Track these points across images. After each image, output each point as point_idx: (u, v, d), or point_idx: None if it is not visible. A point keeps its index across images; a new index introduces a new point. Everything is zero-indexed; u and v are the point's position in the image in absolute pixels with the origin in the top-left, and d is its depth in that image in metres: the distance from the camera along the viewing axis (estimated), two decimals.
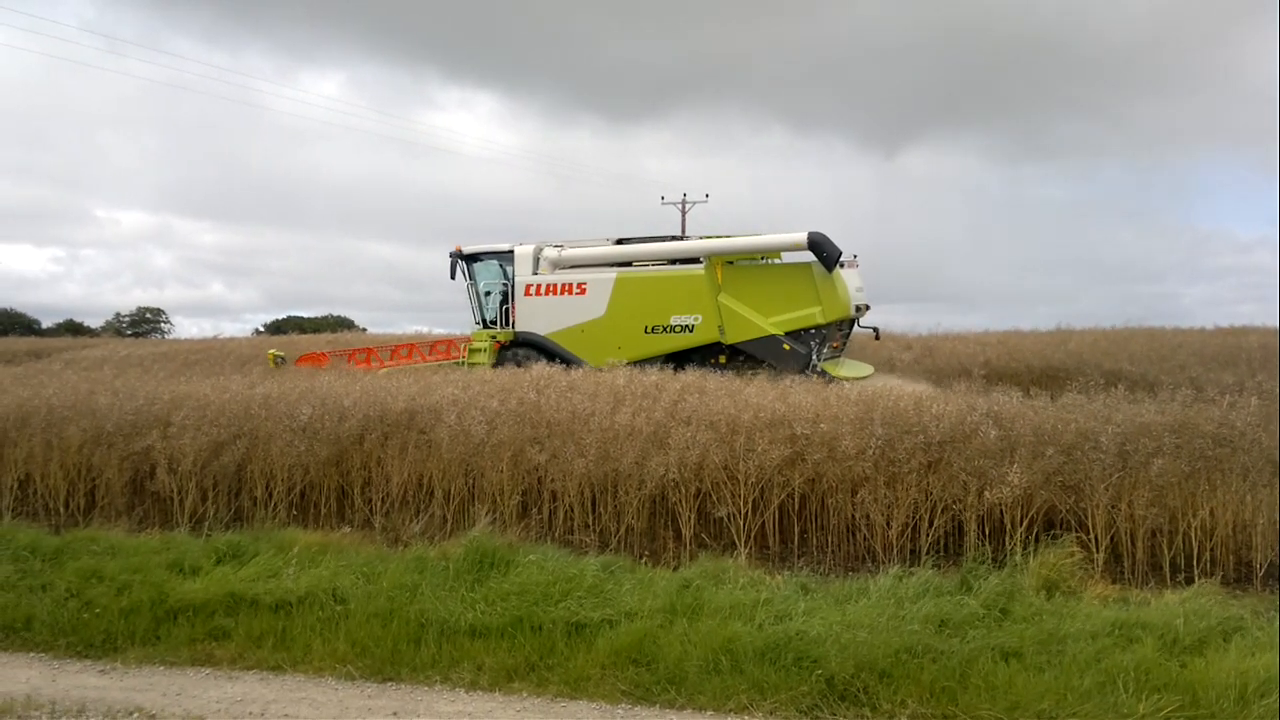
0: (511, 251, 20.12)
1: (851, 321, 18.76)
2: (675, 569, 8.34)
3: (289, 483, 10.37)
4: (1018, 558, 8.13)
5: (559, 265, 19.73)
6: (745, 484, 9.07)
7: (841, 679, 5.93)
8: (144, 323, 69.55)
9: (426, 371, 16.42)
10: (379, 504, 10.28)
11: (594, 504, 9.64)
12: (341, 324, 59.30)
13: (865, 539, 8.96)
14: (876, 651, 6.10)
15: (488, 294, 20.42)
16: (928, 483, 8.75)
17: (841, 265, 17.55)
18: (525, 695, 6.17)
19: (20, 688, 6.32)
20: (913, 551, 8.74)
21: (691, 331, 18.27)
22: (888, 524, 8.77)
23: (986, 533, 8.70)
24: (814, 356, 17.17)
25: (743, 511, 9.12)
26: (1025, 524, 8.50)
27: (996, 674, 5.94)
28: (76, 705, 6.04)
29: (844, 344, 19.18)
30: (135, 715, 5.89)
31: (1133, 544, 8.42)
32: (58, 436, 10.96)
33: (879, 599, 7.09)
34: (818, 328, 17.40)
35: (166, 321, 70.65)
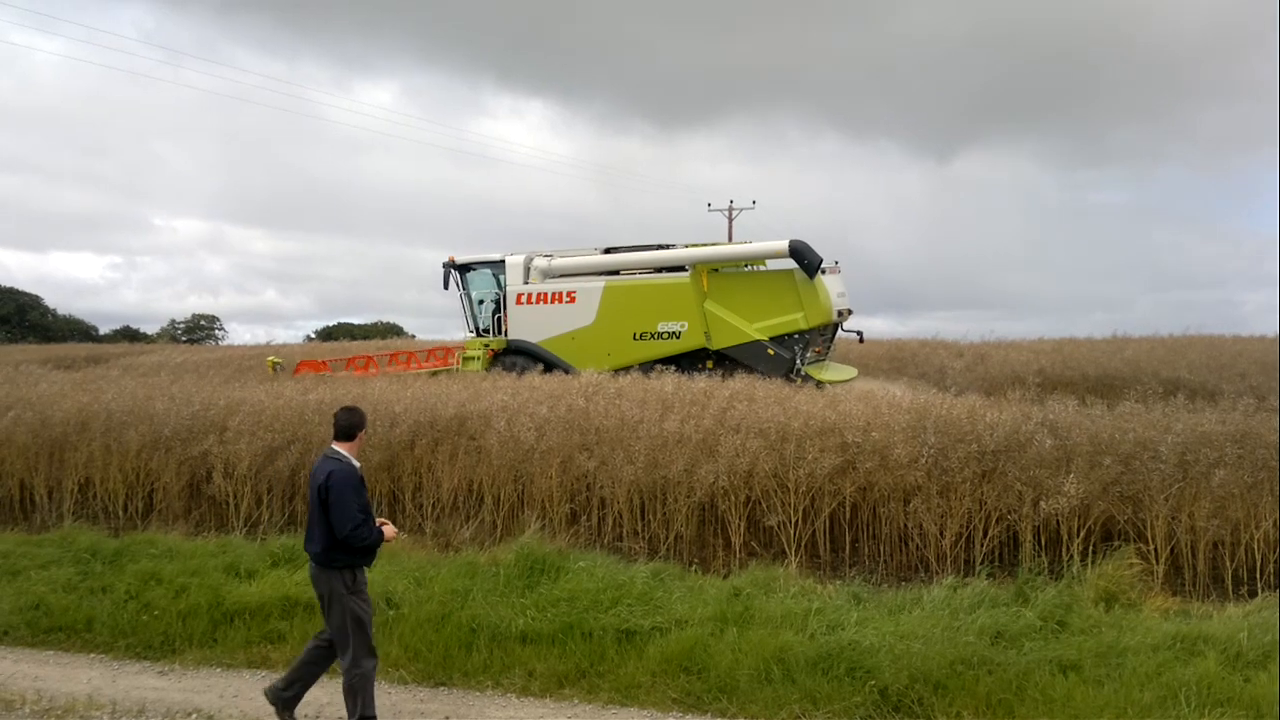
0: (503, 261, 20.59)
1: (835, 326, 19.14)
2: (725, 577, 8.30)
3: None
4: (1075, 569, 8.00)
5: (549, 274, 20.14)
6: (796, 492, 9.01)
7: (895, 690, 5.86)
8: (198, 329, 70.63)
9: (423, 377, 16.70)
10: (430, 509, 10.35)
11: (643, 511, 9.64)
12: (391, 330, 59.72)
13: (918, 548, 8.86)
14: (931, 663, 6.03)
15: (481, 302, 20.94)
16: (982, 492, 8.63)
17: (823, 272, 17.97)
18: (576, 702, 6.17)
19: (82, 688, 6.44)
20: (966, 562, 8.63)
21: (678, 338, 18.70)
22: (941, 534, 8.67)
23: (1042, 543, 8.57)
24: (798, 361, 17.49)
25: (793, 520, 9.06)
26: (1082, 535, 8.36)
27: (1054, 687, 5.85)
28: (136, 705, 6.14)
29: (828, 348, 19.54)
30: (194, 716, 5.98)
31: (1194, 556, 8.25)
32: (117, 441, 11.17)
33: (933, 609, 7.00)
34: (801, 333, 17.78)
35: (220, 328, 71.65)
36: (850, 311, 19.25)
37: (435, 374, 19.06)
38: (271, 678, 6.63)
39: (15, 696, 6.24)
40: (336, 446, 5.80)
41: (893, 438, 9.06)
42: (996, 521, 8.64)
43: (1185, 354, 21.91)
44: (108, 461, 11.19)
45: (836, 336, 19.81)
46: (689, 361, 18.21)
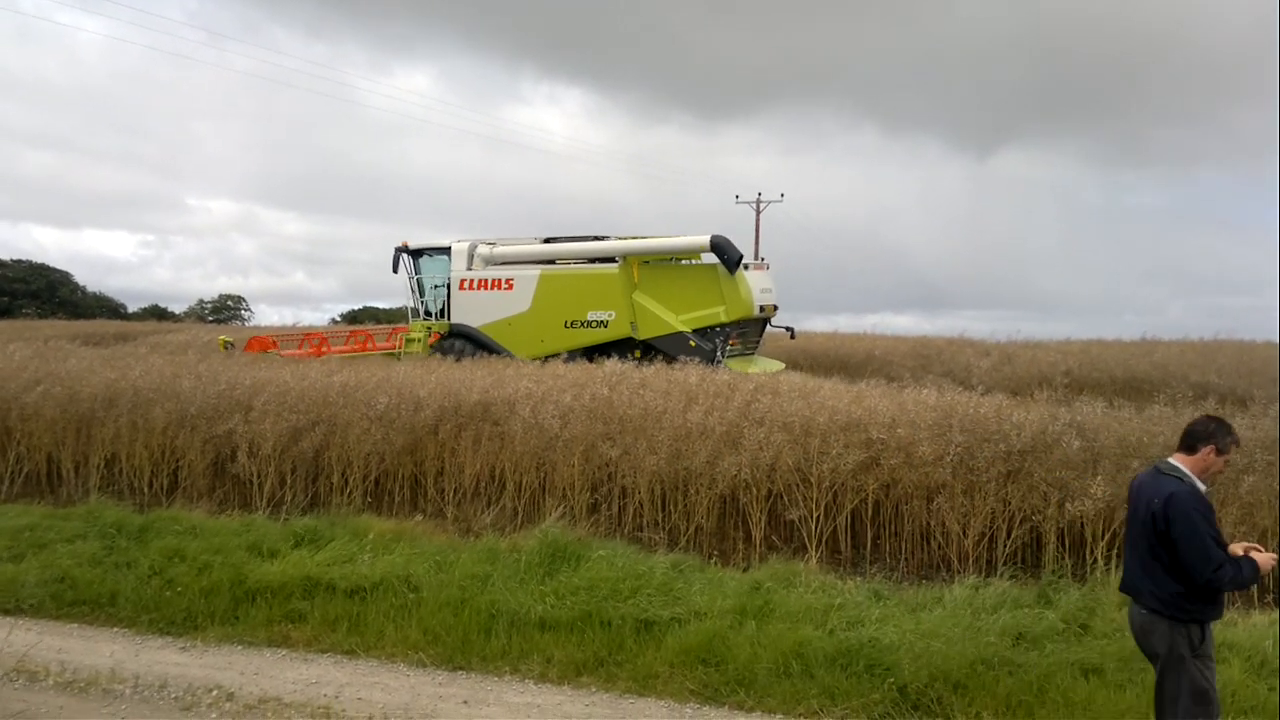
0: (449, 248, 21.38)
1: (763, 321, 20.02)
2: (745, 570, 8.29)
3: (364, 470, 10.53)
4: (1099, 572, 7.93)
5: (491, 261, 20.93)
6: (818, 487, 8.97)
7: (915, 688, 5.83)
8: (225, 309, 71.13)
9: (371, 360, 17.32)
10: (451, 494, 10.39)
11: (664, 502, 9.63)
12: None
13: (940, 547, 8.81)
14: (951, 662, 5.99)
15: (436, 287, 21.68)
16: (1006, 492, 8.57)
17: (746, 267, 18.79)
18: (594, 690, 6.17)
19: (105, 661, 6.49)
20: (988, 562, 8.57)
21: (606, 327, 19.48)
22: (964, 532, 8.62)
23: (1066, 545, 8.50)
24: (719, 353, 18.12)
25: (815, 515, 9.02)
26: (1107, 538, 8.28)
27: (1076, 690, 5.80)
28: (158, 680, 6.19)
29: (757, 342, 20.42)
30: (214, 693, 6.01)
31: None
32: (143, 418, 11.25)
33: (954, 609, 6.95)
34: (722, 325, 18.56)
35: (247, 309, 72.15)
36: (776, 307, 20.03)
37: (390, 355, 20.22)
38: (291, 656, 6.68)
39: (39, 668, 6.29)
40: (1175, 460, 4.64)
41: (918, 435, 9.01)
42: (1021, 522, 8.57)
43: (1215, 358, 21.71)
44: (134, 438, 11.28)
45: (766, 331, 20.71)
46: (619, 351, 18.68)
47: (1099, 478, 8.22)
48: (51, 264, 63.86)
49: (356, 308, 64.87)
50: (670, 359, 17.06)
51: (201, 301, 71.03)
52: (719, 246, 18.40)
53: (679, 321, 18.81)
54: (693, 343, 18.38)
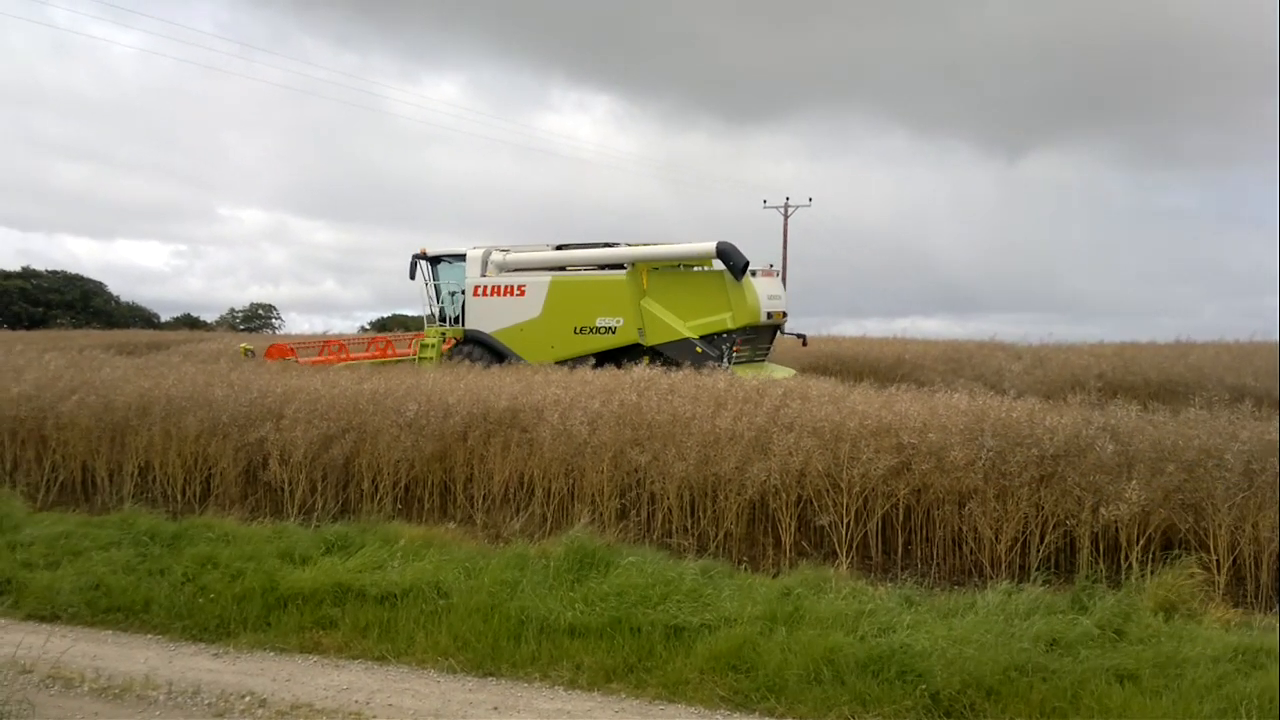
0: (464, 255, 21.62)
1: (773, 329, 19.97)
2: (775, 576, 8.25)
3: (394, 477, 10.58)
4: (1134, 577, 7.84)
5: (504, 268, 21.13)
6: (849, 493, 8.92)
7: (947, 695, 5.78)
8: (256, 318, 71.87)
9: (402, 367, 17.62)
10: (480, 500, 10.42)
11: (693, 508, 9.60)
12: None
13: (972, 552, 8.74)
14: (984, 668, 5.93)
15: (453, 294, 21.89)
16: (1039, 497, 8.48)
17: (754, 274, 18.75)
18: (624, 696, 6.16)
19: (139, 668, 6.55)
20: (1021, 567, 8.48)
21: (614, 333, 19.52)
22: (996, 538, 8.54)
23: (1100, 550, 8.40)
24: (725, 360, 18.06)
25: (845, 520, 8.97)
26: (1142, 543, 8.18)
27: (1111, 696, 5.72)
28: (192, 687, 6.24)
29: (768, 349, 20.34)
30: (247, 699, 6.05)
31: (1257, 567, 8.03)
32: (176, 426, 11.36)
33: (987, 615, 6.88)
34: (729, 332, 18.51)
35: (277, 317, 72.89)
36: (785, 314, 20.05)
37: (408, 360, 20.38)
38: (323, 663, 6.72)
39: (75, 675, 6.37)
40: None
41: (950, 439, 8.93)
42: (1054, 527, 8.48)
43: (1252, 360, 21.43)
44: (167, 446, 11.39)
45: (776, 338, 20.62)
46: (628, 357, 18.69)
47: (1133, 482, 8.12)
48: (85, 274, 65.02)
49: (386, 315, 65.33)
50: (677, 365, 17.11)
51: (233, 310, 71.88)
52: (724, 253, 18.38)
53: (686, 328, 18.82)
54: (699, 349, 18.38)
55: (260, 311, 73.12)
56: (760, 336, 19.73)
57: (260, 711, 5.90)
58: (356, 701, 6.03)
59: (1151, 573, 7.77)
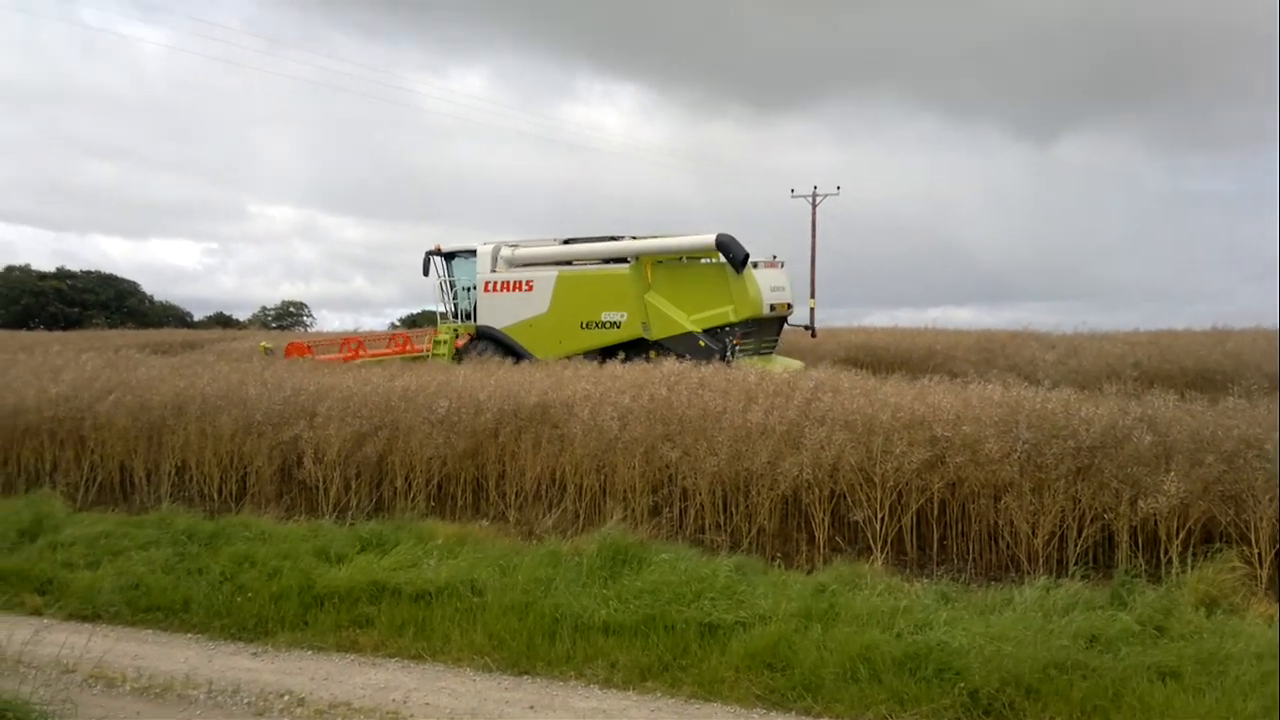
0: (475, 250, 21.59)
1: (779, 320, 19.84)
2: (809, 572, 8.21)
3: (427, 474, 10.63)
4: (1174, 572, 7.74)
5: (513, 263, 21.06)
6: (882, 487, 8.86)
7: (986, 693, 5.73)
8: (288, 316, 72.41)
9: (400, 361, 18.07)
10: (513, 497, 10.44)
11: (725, 503, 9.58)
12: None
13: (1009, 547, 8.66)
14: (1023, 666, 5.87)
15: (467, 290, 21.83)
16: (1076, 490, 8.38)
17: (755, 265, 18.62)
18: (659, 695, 6.16)
19: (180, 667, 6.63)
20: (1059, 562, 8.39)
21: (618, 328, 19.41)
22: (1033, 532, 8.45)
23: (1139, 544, 8.29)
24: (728, 352, 17.97)
25: (879, 515, 8.91)
26: (1182, 536, 8.07)
27: (1153, 694, 5.65)
28: (231, 686, 6.30)
29: (775, 342, 20.19)
30: (286, 698, 6.10)
31: None
32: (211, 425, 11.47)
33: (1025, 611, 6.81)
34: (731, 325, 18.37)
35: (309, 315, 73.39)
36: (790, 306, 19.93)
37: (419, 358, 20.68)
38: (360, 661, 6.76)
39: (116, 674, 6.45)
40: None
41: (984, 432, 8.84)
42: (1091, 521, 8.38)
43: None
44: (203, 445, 11.50)
45: (783, 330, 20.53)
46: (634, 351, 18.65)
47: (1172, 474, 8.01)
48: (119, 274, 65.66)
49: (415, 311, 65.61)
50: (680, 358, 17.11)
51: (265, 309, 72.42)
52: (723, 245, 18.15)
53: (690, 322, 18.66)
54: (702, 343, 18.27)
55: (292, 309, 73.68)
56: (764, 329, 19.53)
57: (299, 710, 5.95)
58: (394, 700, 6.06)
59: (1191, 567, 7.66)
